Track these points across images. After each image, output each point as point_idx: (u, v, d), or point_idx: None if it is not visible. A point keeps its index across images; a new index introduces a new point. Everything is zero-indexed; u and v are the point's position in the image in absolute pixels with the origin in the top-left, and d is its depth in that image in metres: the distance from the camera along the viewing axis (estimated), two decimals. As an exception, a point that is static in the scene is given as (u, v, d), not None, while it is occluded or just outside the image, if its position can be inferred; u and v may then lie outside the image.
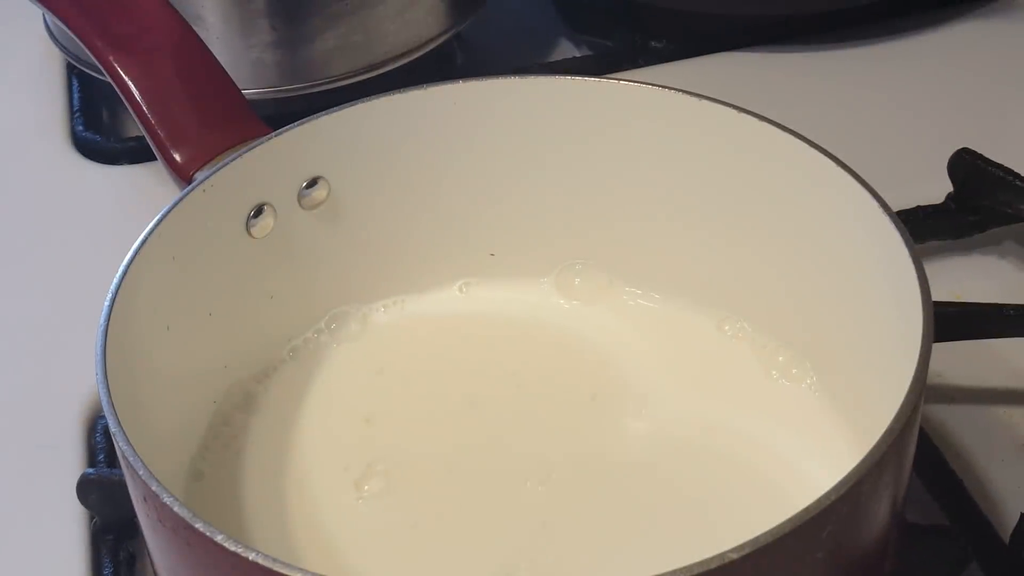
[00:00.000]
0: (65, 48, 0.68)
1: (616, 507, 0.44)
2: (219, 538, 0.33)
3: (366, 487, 0.45)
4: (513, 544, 0.43)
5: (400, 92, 0.48)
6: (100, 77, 0.52)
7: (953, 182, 0.58)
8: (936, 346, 0.38)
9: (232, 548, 0.33)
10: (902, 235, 0.41)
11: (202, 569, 0.35)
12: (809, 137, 0.45)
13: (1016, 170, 0.56)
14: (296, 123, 0.47)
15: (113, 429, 0.37)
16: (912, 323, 0.38)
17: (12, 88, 0.73)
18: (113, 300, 0.40)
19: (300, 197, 0.48)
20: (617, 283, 0.51)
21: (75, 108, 0.69)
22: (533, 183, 0.50)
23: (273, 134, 0.47)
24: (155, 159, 0.48)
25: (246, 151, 0.46)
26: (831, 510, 0.33)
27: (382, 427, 0.47)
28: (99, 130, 0.69)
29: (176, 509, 0.34)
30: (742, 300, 0.49)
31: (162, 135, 0.48)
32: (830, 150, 0.44)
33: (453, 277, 0.52)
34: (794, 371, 0.47)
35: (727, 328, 0.49)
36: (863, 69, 0.70)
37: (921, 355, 0.37)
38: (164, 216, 0.43)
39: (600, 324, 0.50)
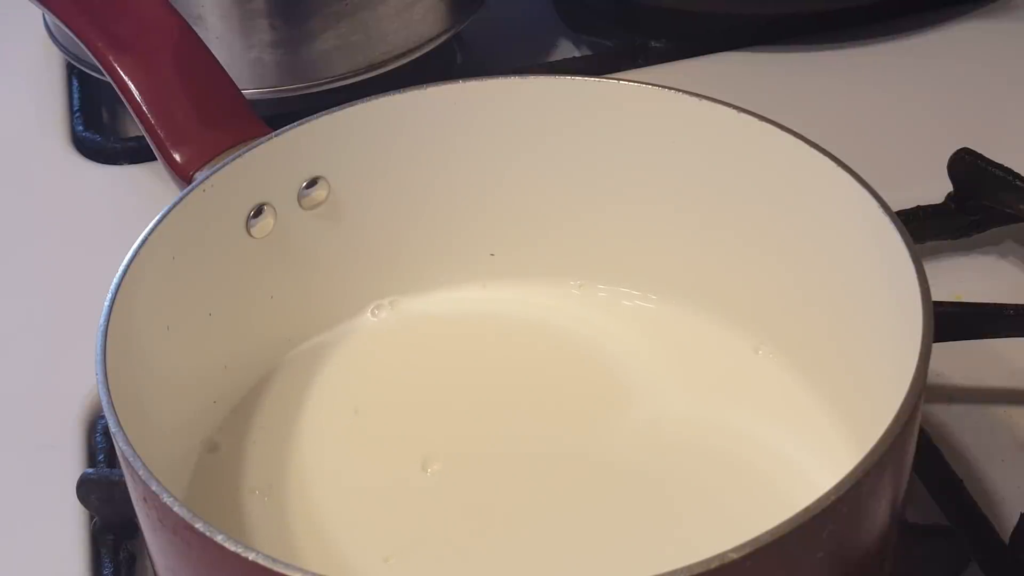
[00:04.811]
0: (65, 48, 0.68)
1: (615, 507, 0.44)
2: (219, 538, 0.33)
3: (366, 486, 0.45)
4: (512, 545, 0.43)
5: (400, 92, 0.48)
6: (100, 77, 0.52)
7: (953, 182, 0.58)
8: (936, 346, 0.38)
9: (232, 548, 0.33)
10: (902, 235, 0.41)
11: (202, 569, 0.35)
12: (809, 137, 0.45)
13: (1016, 170, 0.56)
14: (296, 123, 0.47)
15: (113, 429, 0.37)
16: (912, 323, 0.38)
17: (12, 88, 0.73)
18: (113, 300, 0.40)
19: (300, 197, 0.48)
20: (615, 283, 0.51)
21: (75, 108, 0.69)
22: (533, 183, 0.50)
23: (273, 134, 0.47)
24: (155, 159, 0.48)
25: (246, 151, 0.46)
26: (831, 510, 0.33)
27: (382, 427, 0.47)
28: (99, 130, 0.69)
29: (176, 509, 0.34)
30: (741, 300, 0.49)
31: (162, 135, 0.48)
32: (830, 150, 0.44)
33: (453, 277, 0.52)
34: (794, 371, 0.47)
35: (725, 327, 0.49)
36: (863, 69, 0.70)
37: (921, 355, 0.37)
38: (164, 216, 0.43)
39: (599, 324, 0.50)
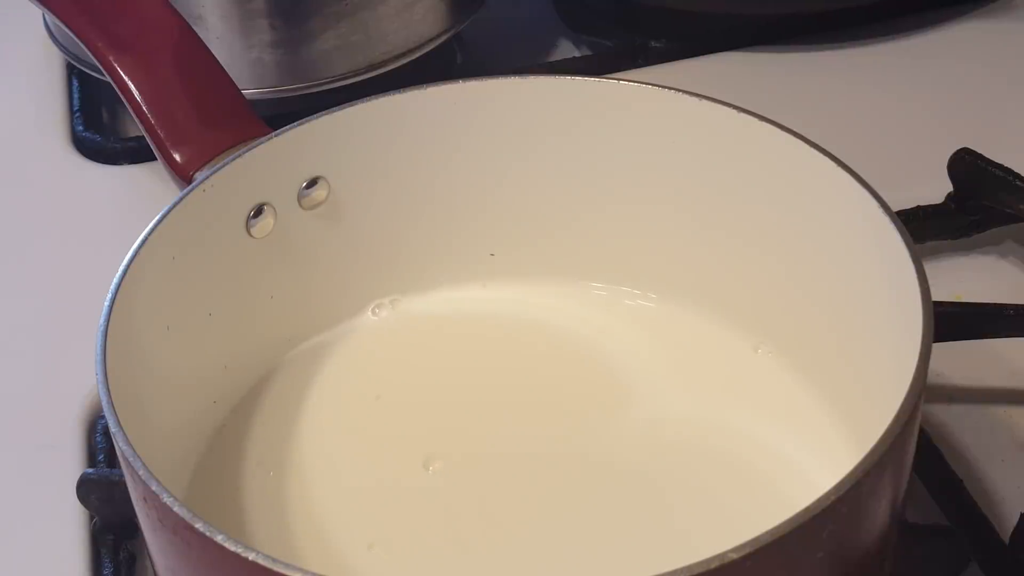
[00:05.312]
0: (65, 48, 0.68)
1: (615, 507, 0.44)
2: (219, 538, 0.33)
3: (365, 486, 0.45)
4: (513, 544, 0.43)
5: (400, 92, 0.48)
6: (100, 77, 0.52)
7: (953, 182, 0.58)
8: (936, 346, 0.38)
9: (232, 548, 0.33)
10: (902, 235, 0.41)
11: (202, 569, 0.35)
12: (809, 137, 0.45)
13: (1016, 170, 0.56)
14: (296, 123, 0.47)
15: (113, 429, 0.37)
16: (912, 323, 0.38)
17: (12, 88, 0.73)
18: (113, 300, 0.40)
19: (300, 197, 0.48)
20: (615, 283, 0.51)
21: (75, 108, 0.69)
22: (533, 183, 0.50)
23: (273, 134, 0.47)
24: (155, 159, 0.48)
25: (246, 151, 0.46)
26: (831, 510, 0.33)
27: (382, 426, 0.47)
28: (99, 130, 0.69)
29: (176, 509, 0.34)
30: (741, 300, 0.49)
31: (162, 135, 0.48)
32: (830, 150, 0.44)
33: (453, 277, 0.52)
34: (793, 371, 0.47)
35: (725, 327, 0.49)
36: (863, 69, 0.70)
37: (921, 355, 0.37)
38: (164, 216, 0.43)
39: (599, 324, 0.50)
